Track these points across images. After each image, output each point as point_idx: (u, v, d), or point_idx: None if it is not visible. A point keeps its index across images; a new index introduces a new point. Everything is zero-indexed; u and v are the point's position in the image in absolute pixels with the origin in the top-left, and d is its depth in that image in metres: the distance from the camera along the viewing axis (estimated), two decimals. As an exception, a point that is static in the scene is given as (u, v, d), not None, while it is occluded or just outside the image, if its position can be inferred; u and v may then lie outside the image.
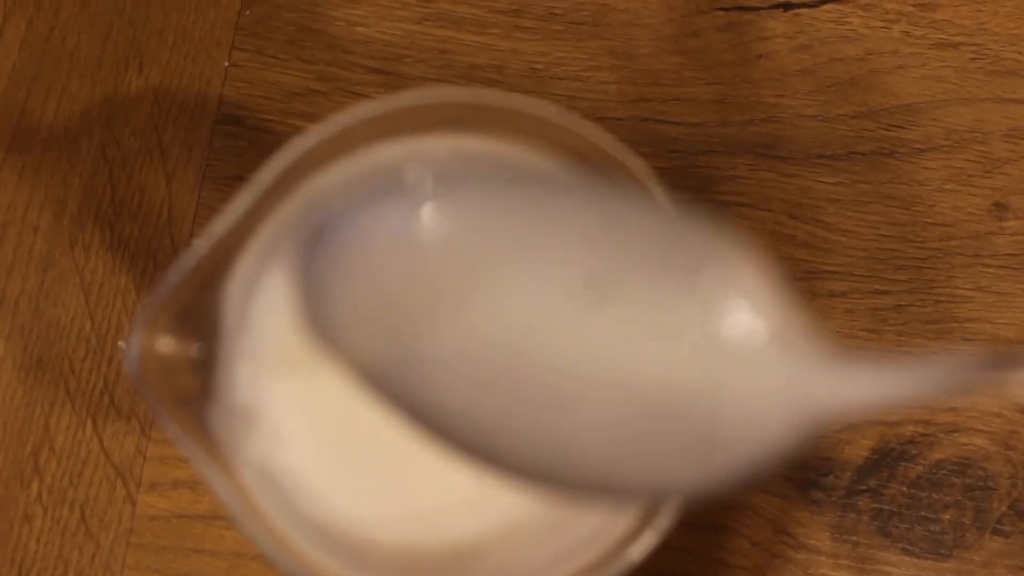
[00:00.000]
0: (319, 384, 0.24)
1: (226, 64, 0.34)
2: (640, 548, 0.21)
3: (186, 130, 0.34)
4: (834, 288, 0.33)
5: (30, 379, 0.33)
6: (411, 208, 0.18)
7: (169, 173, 0.34)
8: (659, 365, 0.18)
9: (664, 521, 0.21)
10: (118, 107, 0.34)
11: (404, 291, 0.19)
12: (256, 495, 0.22)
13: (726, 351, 0.17)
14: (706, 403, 0.18)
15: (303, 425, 0.24)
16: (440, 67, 0.34)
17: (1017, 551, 0.32)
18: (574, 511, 0.23)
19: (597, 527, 0.23)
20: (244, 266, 0.23)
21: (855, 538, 0.32)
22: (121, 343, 0.33)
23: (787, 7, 0.35)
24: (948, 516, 0.32)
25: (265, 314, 0.24)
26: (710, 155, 0.34)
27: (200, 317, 0.22)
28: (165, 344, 0.22)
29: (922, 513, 0.32)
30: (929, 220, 0.34)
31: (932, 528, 0.32)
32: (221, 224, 0.22)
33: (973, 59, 0.35)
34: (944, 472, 0.32)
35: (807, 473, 0.32)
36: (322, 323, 0.20)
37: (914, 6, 0.35)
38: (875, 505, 0.32)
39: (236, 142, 0.34)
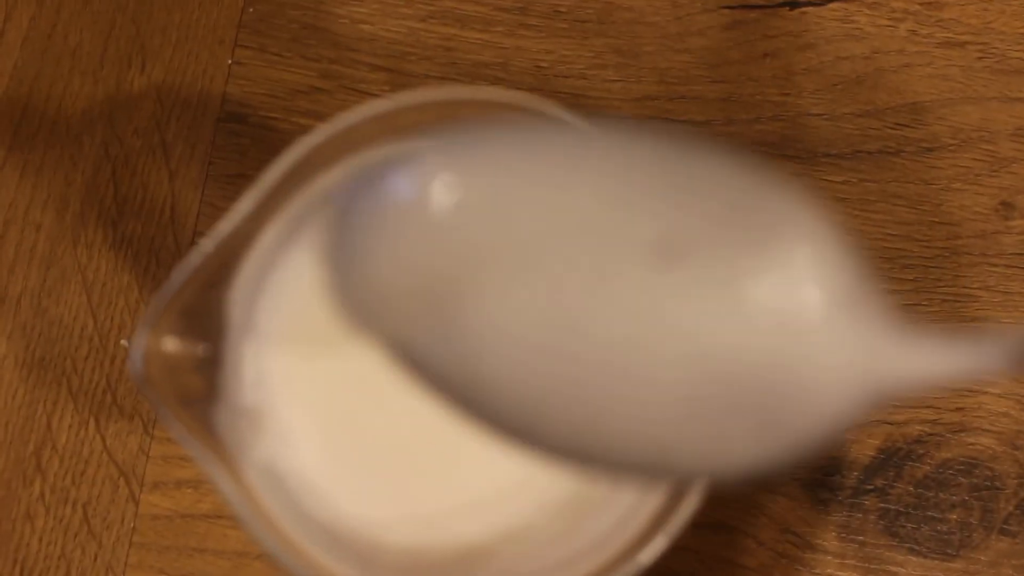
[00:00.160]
0: (326, 385, 0.24)
1: (229, 62, 0.34)
2: (650, 552, 0.21)
3: (189, 128, 0.34)
4: (840, 287, 0.33)
5: (32, 378, 0.32)
6: (450, 172, 0.17)
7: (172, 171, 0.34)
8: (727, 334, 0.16)
9: (675, 525, 0.21)
10: (121, 105, 0.34)
11: (447, 262, 0.17)
12: (262, 496, 0.22)
13: (796, 320, 0.16)
14: (772, 374, 0.16)
15: (310, 426, 0.23)
16: (444, 65, 0.34)
17: (1024, 551, 0.32)
18: (586, 512, 0.23)
19: (606, 531, 0.23)
20: (250, 266, 0.23)
21: (862, 538, 0.32)
22: (124, 342, 0.32)
23: (793, 5, 0.35)
24: (955, 516, 0.32)
25: (272, 314, 0.24)
26: (716, 153, 0.34)
27: (206, 317, 0.22)
28: (170, 344, 0.22)
29: (929, 513, 0.32)
30: (936, 219, 0.34)
31: (939, 528, 0.32)
32: (227, 223, 0.22)
33: (980, 58, 0.34)
34: (951, 472, 0.32)
35: (814, 473, 0.32)
36: (356, 302, 0.18)
37: (920, 5, 0.35)
38: (882, 505, 0.32)
39: (239, 140, 0.34)
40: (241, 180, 0.33)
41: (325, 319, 0.24)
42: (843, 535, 0.32)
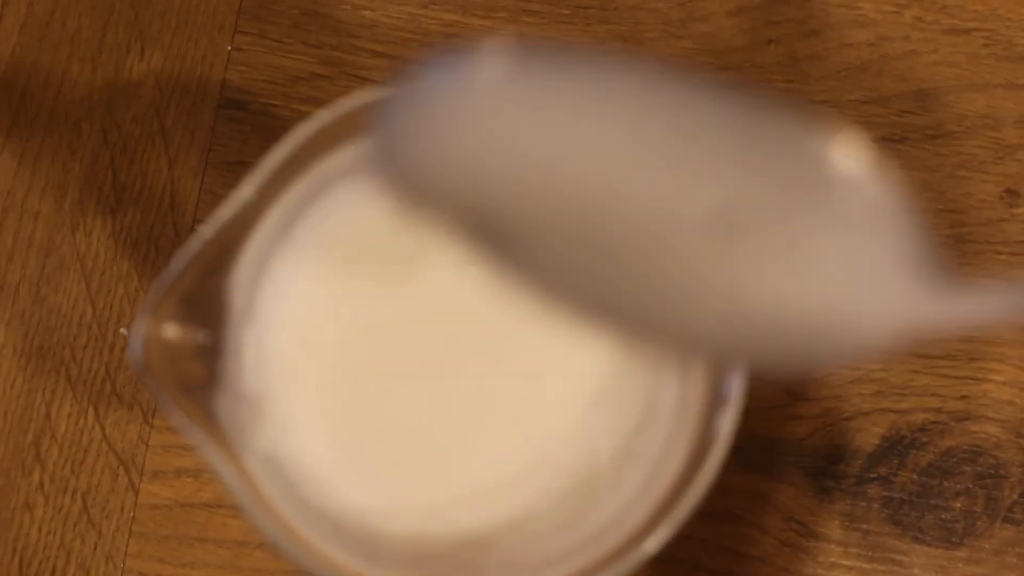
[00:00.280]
0: (328, 373, 0.24)
1: (229, 48, 0.34)
2: (655, 541, 0.21)
3: (188, 115, 0.34)
4: (844, 275, 0.33)
5: (31, 366, 0.32)
6: (526, 72, 0.17)
7: (171, 158, 0.33)
8: (778, 291, 0.17)
9: (680, 514, 0.21)
10: (119, 92, 0.34)
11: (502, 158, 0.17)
12: (262, 484, 0.22)
13: (846, 274, 0.17)
14: (818, 317, 0.17)
15: (311, 414, 0.23)
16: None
17: (1029, 540, 0.31)
18: (589, 501, 0.23)
19: (610, 520, 0.23)
20: (251, 252, 0.23)
21: (865, 526, 0.32)
22: (123, 330, 0.32)
23: (797, -9, 0.34)
24: (959, 504, 0.32)
25: (273, 300, 0.23)
26: (719, 140, 0.34)
27: (206, 303, 0.22)
28: (170, 330, 0.21)
29: (933, 501, 0.32)
30: (940, 207, 0.33)
31: (943, 516, 0.32)
32: (227, 209, 0.22)
33: (985, 45, 0.34)
34: (955, 460, 0.32)
35: (818, 461, 0.32)
36: (411, 190, 0.18)
37: (925, -10, 0.34)
38: (885, 493, 0.32)
39: (239, 127, 0.34)
40: (241, 167, 0.33)
41: (327, 306, 0.24)
42: (847, 523, 0.32)
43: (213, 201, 0.33)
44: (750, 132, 0.18)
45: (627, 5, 0.34)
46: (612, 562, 0.21)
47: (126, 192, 0.33)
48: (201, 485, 0.32)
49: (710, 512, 0.32)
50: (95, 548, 0.31)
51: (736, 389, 0.21)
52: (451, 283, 0.23)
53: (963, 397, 0.32)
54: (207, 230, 0.22)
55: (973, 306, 0.18)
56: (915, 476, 0.32)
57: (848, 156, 0.18)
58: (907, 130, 0.34)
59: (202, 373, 0.22)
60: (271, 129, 0.34)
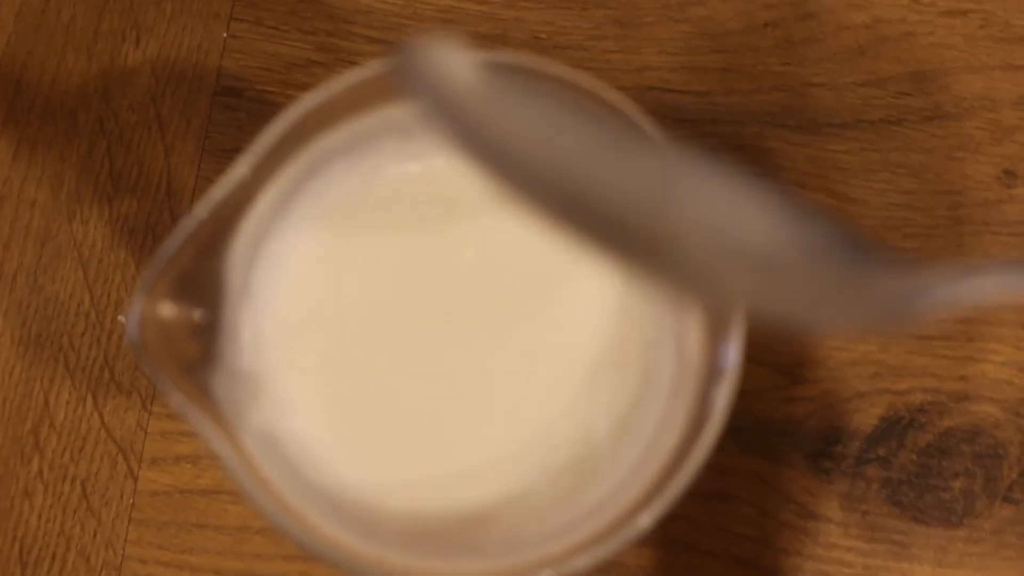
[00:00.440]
0: (325, 351, 0.24)
1: (225, 35, 0.34)
2: (650, 515, 0.21)
3: (184, 102, 0.34)
4: (842, 257, 0.33)
5: (29, 355, 0.32)
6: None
7: (168, 146, 0.33)
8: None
9: (674, 490, 0.21)
10: (115, 80, 0.34)
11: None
12: (261, 462, 0.22)
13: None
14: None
15: (308, 393, 0.23)
16: (441, 37, 0.34)
17: (1028, 520, 0.31)
18: (587, 477, 0.23)
19: (607, 495, 0.23)
20: (247, 232, 0.23)
21: (864, 507, 0.32)
22: (121, 317, 0.32)
23: (793, -27, 0.34)
24: (958, 484, 0.32)
25: (269, 280, 0.23)
26: (716, 124, 0.33)
27: (202, 283, 0.22)
28: (166, 309, 0.21)
29: (932, 481, 0.32)
30: (938, 188, 0.33)
31: (942, 496, 0.32)
32: (221, 189, 0.22)
33: (982, 26, 0.34)
34: (954, 440, 0.32)
35: (816, 442, 0.32)
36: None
37: (921, -28, 0.34)
38: (884, 474, 0.32)
39: (235, 114, 0.33)
40: (237, 154, 0.32)
41: (323, 284, 0.24)
42: (846, 504, 0.32)
43: (209, 188, 0.33)
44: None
45: (623, -11, 0.34)
46: (607, 537, 0.21)
47: (123, 180, 0.33)
48: (200, 471, 0.32)
49: (709, 494, 0.32)
50: (95, 535, 0.31)
51: (732, 362, 0.21)
52: (447, 262, 0.23)
53: (961, 377, 0.32)
54: (201, 210, 0.22)
55: (964, 286, 0.18)
56: (914, 456, 0.32)
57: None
58: (904, 112, 0.34)
59: (198, 352, 0.22)
60: (267, 116, 0.33)
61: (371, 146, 0.24)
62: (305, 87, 0.34)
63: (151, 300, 0.21)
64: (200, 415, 0.21)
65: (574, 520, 0.22)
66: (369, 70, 0.23)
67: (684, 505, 0.31)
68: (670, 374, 0.23)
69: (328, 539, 0.21)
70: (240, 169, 0.22)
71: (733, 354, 0.21)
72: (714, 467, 0.32)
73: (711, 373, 0.22)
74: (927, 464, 0.32)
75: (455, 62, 0.17)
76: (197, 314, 0.22)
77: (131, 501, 0.31)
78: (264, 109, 0.34)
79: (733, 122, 0.33)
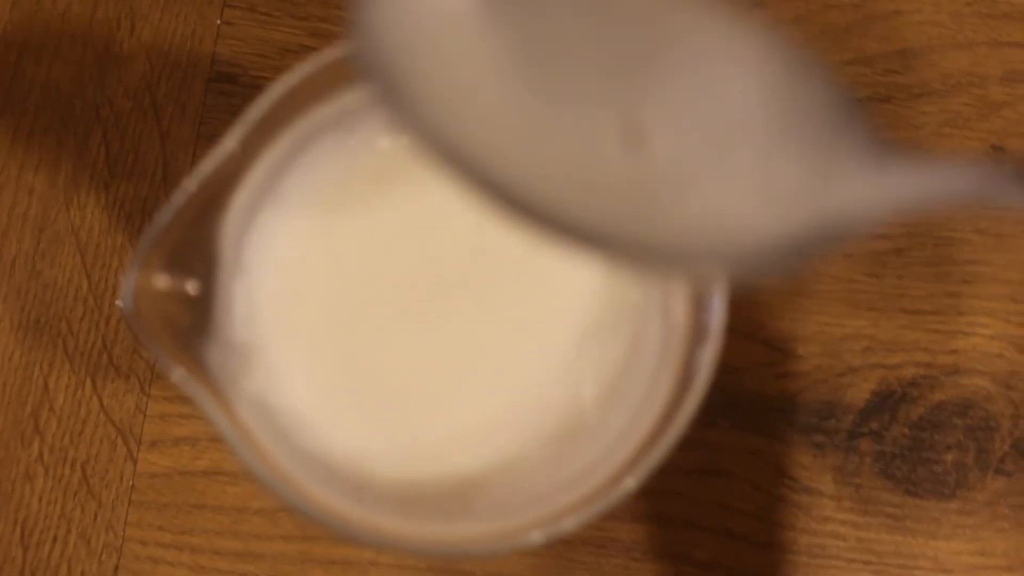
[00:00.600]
0: (316, 322, 0.24)
1: (218, 22, 0.34)
2: (635, 478, 0.21)
3: (179, 89, 0.34)
4: (832, 233, 0.33)
5: (28, 340, 0.32)
6: None
7: (163, 132, 0.34)
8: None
9: (659, 452, 0.21)
10: (111, 67, 0.34)
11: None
12: (255, 430, 0.22)
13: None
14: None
15: (300, 362, 0.24)
16: (433, 21, 0.34)
17: (1020, 490, 0.32)
18: (576, 441, 0.23)
19: (595, 459, 0.23)
20: (239, 205, 0.23)
21: (858, 480, 0.32)
22: (119, 302, 0.33)
23: (780, -47, 0.34)
24: (950, 457, 0.32)
25: (261, 252, 0.24)
26: (705, 103, 0.34)
27: (195, 255, 0.22)
28: (160, 281, 0.22)
29: (924, 454, 0.32)
30: (927, 164, 0.34)
31: (935, 469, 0.32)
32: (210, 162, 0.22)
33: (968, 3, 0.34)
34: (946, 413, 0.32)
35: (809, 417, 0.32)
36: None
37: (908, -50, 0.34)
38: (877, 447, 0.32)
39: (230, 100, 0.34)
40: None
41: (314, 255, 0.24)
42: (839, 478, 0.32)
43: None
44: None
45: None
46: (594, 499, 0.21)
47: (119, 166, 0.33)
48: (199, 453, 0.32)
49: (704, 470, 0.32)
50: (95, 517, 0.32)
51: (717, 321, 0.21)
52: (436, 232, 0.24)
53: (952, 351, 0.32)
54: (191, 183, 0.22)
55: (911, 182, 0.17)
56: (906, 430, 0.32)
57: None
58: (892, 89, 0.34)
59: (192, 323, 0.22)
60: (261, 101, 0.34)
61: (361, 119, 0.24)
62: (299, 73, 0.34)
63: (145, 272, 0.21)
64: (195, 384, 0.21)
65: (563, 484, 0.22)
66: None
67: (679, 481, 0.32)
68: (657, 338, 0.23)
69: (322, 504, 0.21)
70: (229, 142, 0.22)
71: (717, 313, 0.21)
72: (708, 443, 0.32)
73: (697, 335, 0.22)
74: (919, 437, 0.32)
75: None
76: (191, 286, 0.22)
77: (131, 483, 0.32)
78: (258, 94, 0.34)
79: (723, 101, 0.34)
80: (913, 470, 0.32)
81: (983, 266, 0.33)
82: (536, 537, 0.21)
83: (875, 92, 0.34)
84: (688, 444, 0.30)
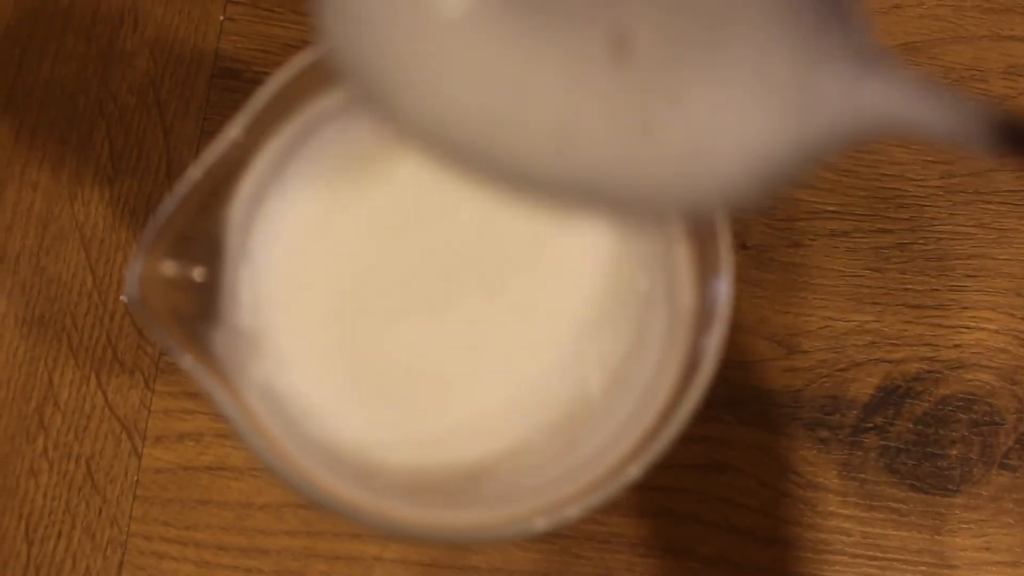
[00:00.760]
0: (323, 310, 0.24)
1: (221, 18, 0.34)
2: (639, 466, 0.21)
3: (183, 85, 0.34)
4: (836, 228, 0.33)
5: (33, 335, 0.33)
6: None
7: (167, 127, 0.34)
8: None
9: (664, 439, 0.21)
10: (114, 63, 0.34)
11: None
12: (262, 417, 0.22)
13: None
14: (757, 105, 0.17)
15: (307, 350, 0.24)
16: (436, 17, 0.34)
17: (1025, 483, 0.32)
18: (581, 430, 0.23)
19: (600, 448, 0.23)
20: (245, 192, 0.23)
21: (863, 475, 0.32)
22: (123, 297, 0.33)
23: (783, -50, 0.35)
24: (955, 452, 0.32)
25: (267, 239, 0.24)
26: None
27: (201, 243, 0.22)
28: (167, 268, 0.22)
29: (929, 449, 0.32)
30: (929, 158, 0.34)
31: (939, 464, 0.32)
32: (214, 150, 0.22)
33: (970, -1, 0.34)
34: (950, 408, 0.32)
35: (814, 413, 0.32)
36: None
37: (910, -54, 0.35)
38: (882, 442, 0.32)
39: (233, 95, 0.34)
40: None
41: (321, 243, 0.24)
42: (844, 473, 0.32)
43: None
44: None
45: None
46: (598, 487, 0.21)
47: (123, 162, 0.33)
48: (203, 449, 0.32)
49: (708, 465, 0.32)
50: (100, 512, 0.32)
51: (723, 307, 0.21)
52: (443, 220, 0.24)
53: (956, 346, 0.32)
54: (195, 171, 0.22)
55: (915, 104, 0.16)
56: (911, 425, 0.32)
57: None
58: (895, 85, 0.34)
59: (198, 310, 0.22)
60: (265, 97, 0.34)
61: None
62: (302, 70, 0.34)
63: (150, 259, 0.21)
64: (201, 370, 0.21)
65: (570, 472, 0.22)
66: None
67: (683, 476, 0.32)
68: (662, 326, 0.23)
69: (329, 491, 0.21)
70: (233, 130, 0.22)
71: (723, 298, 0.21)
72: (713, 438, 0.32)
73: (702, 321, 0.22)
74: (924, 432, 0.32)
75: None
76: (196, 273, 0.22)
77: (135, 479, 0.32)
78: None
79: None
80: (918, 465, 0.32)
81: (986, 260, 0.33)
82: (541, 524, 0.21)
83: (878, 87, 0.34)
84: (693, 439, 0.30)
